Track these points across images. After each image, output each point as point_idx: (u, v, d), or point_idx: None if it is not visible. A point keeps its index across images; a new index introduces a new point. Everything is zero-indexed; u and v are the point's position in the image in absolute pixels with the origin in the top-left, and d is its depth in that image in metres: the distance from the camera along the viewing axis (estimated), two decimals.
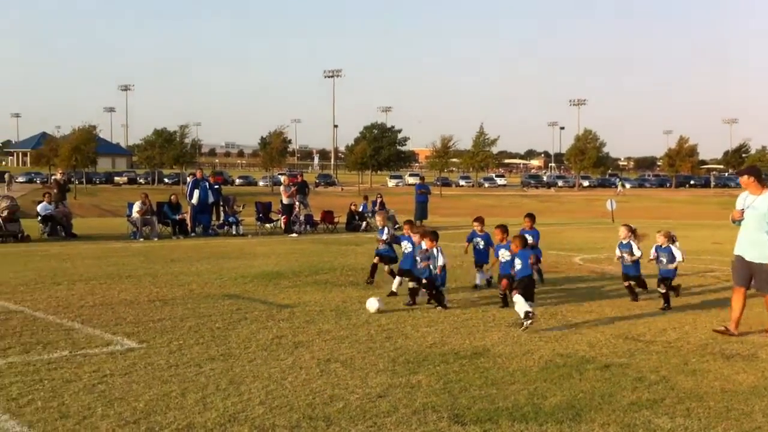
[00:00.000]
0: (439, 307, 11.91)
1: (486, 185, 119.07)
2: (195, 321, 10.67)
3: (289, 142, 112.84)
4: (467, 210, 55.31)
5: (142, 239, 23.83)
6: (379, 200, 32.94)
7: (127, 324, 10.34)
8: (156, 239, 23.99)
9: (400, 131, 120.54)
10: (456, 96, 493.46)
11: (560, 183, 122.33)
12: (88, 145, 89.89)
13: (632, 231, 13.04)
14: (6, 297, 12.42)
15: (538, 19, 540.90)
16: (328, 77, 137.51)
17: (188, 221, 26.11)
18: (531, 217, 14.93)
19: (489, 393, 7.31)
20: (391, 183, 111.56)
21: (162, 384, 7.48)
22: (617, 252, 13.05)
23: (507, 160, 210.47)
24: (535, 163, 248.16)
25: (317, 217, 30.27)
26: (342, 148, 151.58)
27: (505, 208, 66.89)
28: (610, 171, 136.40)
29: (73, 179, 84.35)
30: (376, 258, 14.29)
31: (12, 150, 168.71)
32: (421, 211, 33.59)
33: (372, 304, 11.50)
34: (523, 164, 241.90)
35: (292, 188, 28.34)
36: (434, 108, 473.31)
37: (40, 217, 24.78)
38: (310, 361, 8.47)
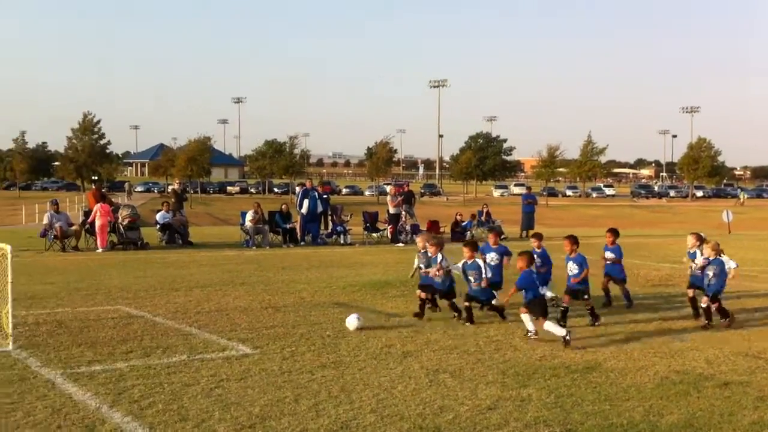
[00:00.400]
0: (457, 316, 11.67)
1: (594, 195, 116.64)
2: (306, 328, 10.89)
3: (395, 152, 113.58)
4: (574, 220, 54.33)
5: (254, 247, 24.46)
6: (485, 210, 32.75)
7: (241, 330, 10.65)
8: (267, 247, 24.58)
9: (505, 141, 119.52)
10: (563, 104, 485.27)
11: (672, 193, 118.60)
12: (202, 156, 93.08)
13: (701, 240, 12.34)
14: (127, 302, 12.99)
15: (647, 23, 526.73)
16: (434, 87, 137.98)
17: (298, 230, 26.62)
18: (613, 232, 13.38)
19: (602, 409, 7.17)
20: (497, 193, 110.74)
21: (276, 390, 7.68)
22: (687, 261, 12.42)
23: (616, 170, 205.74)
24: (646, 172, 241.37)
25: (423, 227, 30.32)
26: (447, 158, 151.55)
27: (614, 218, 65.26)
28: (725, 180, 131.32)
29: (188, 189, 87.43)
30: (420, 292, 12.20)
31: (131, 161, 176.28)
32: (528, 222, 33.18)
33: (351, 321, 10.82)
34: (633, 174, 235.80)
35: (399, 198, 28.51)
36: (540, 117, 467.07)
37: (158, 226, 25.79)
38: (419, 371, 8.52)
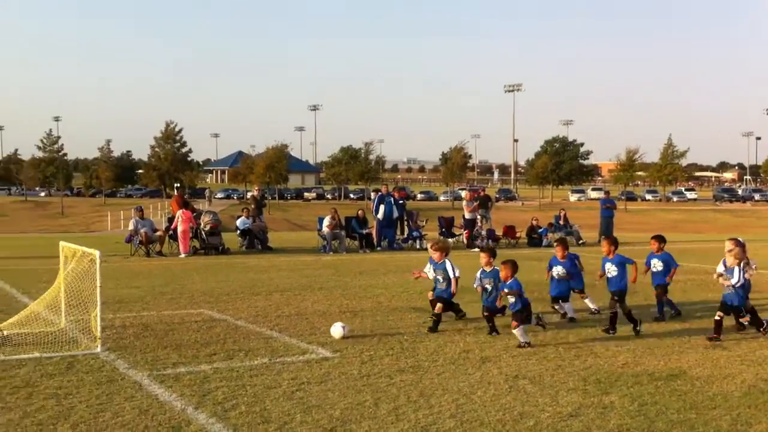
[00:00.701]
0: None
1: (674, 199, 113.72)
2: (384, 333, 10.95)
3: (470, 157, 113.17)
4: (655, 225, 53.01)
5: (331, 252, 24.70)
6: (562, 215, 32.34)
7: (320, 334, 10.77)
8: (344, 253, 24.80)
9: (582, 144, 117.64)
10: (642, 107, 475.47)
11: (757, 197, 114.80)
12: (280, 163, 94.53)
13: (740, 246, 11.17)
14: (210, 306, 13.28)
15: (727, 23, 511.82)
16: (509, 91, 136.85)
17: (374, 235, 26.77)
18: (660, 239, 12.89)
19: (688, 417, 7.01)
20: (573, 198, 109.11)
21: (356, 393, 7.75)
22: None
23: (697, 173, 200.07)
24: (729, 175, 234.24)
25: (499, 232, 30.14)
26: (522, 163, 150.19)
27: (696, 223, 63.64)
28: None
29: (267, 195, 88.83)
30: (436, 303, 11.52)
31: (211, 168, 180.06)
32: (606, 227, 32.60)
33: (335, 330, 10.49)
34: (715, 177, 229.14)
35: (474, 203, 28.41)
36: (618, 120, 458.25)
37: (239, 231, 26.31)
38: (498, 377, 8.47)
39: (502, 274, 10.80)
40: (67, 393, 7.61)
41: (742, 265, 10.84)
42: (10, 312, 11.32)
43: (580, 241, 30.07)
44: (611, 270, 11.25)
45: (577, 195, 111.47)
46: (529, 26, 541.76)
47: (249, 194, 35.52)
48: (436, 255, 11.76)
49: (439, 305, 11.25)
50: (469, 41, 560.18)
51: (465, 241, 27.97)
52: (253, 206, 27.60)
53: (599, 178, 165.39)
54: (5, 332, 9.78)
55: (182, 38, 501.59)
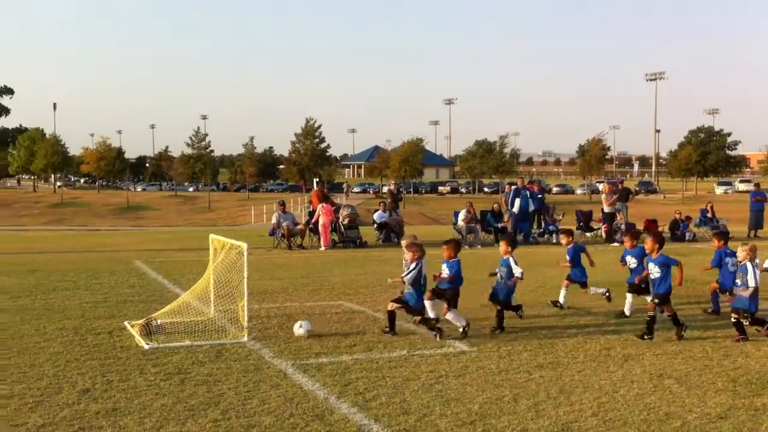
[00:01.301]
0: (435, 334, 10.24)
1: None
2: (521, 327, 10.86)
3: (608, 149, 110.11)
4: None
5: (466, 246, 24.65)
6: (709, 208, 30.99)
7: (453, 329, 10.78)
8: (479, 246, 24.71)
9: (729, 134, 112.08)
10: None
11: None
12: (415, 157, 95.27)
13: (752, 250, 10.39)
14: (349, 298, 13.57)
15: None
16: (650, 80, 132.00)
17: (509, 229, 26.53)
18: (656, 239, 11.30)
19: None
20: (719, 190, 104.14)
21: (494, 388, 7.74)
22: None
23: None
24: None
25: (639, 226, 29.19)
26: (663, 154, 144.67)
27: None
28: None
29: (402, 189, 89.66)
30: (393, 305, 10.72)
31: (348, 163, 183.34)
32: (756, 221, 30.98)
33: (297, 328, 10.18)
34: None
35: (614, 196, 27.64)
36: None
37: (375, 225, 26.70)
38: (642, 375, 8.25)
39: (444, 254, 10.91)
40: (217, 380, 7.99)
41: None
42: (163, 302, 11.96)
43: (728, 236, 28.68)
44: (654, 271, 10.44)
45: (724, 187, 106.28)
46: (671, 10, 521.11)
47: (385, 188, 36.00)
48: (408, 256, 11.06)
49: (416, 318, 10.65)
50: (607, 29, 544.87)
51: (603, 235, 27.27)
52: (389, 200, 27.92)
53: (747, 169, 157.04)
54: (159, 321, 10.35)
55: (319, 36, 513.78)
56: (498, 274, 11.28)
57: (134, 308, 12.22)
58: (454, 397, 7.40)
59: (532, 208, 27.02)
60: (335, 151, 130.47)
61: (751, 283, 10.01)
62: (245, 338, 9.86)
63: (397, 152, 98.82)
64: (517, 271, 10.99)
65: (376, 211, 27.54)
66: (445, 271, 10.74)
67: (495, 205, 27.43)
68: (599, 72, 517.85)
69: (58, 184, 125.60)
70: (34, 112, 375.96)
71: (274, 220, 24.61)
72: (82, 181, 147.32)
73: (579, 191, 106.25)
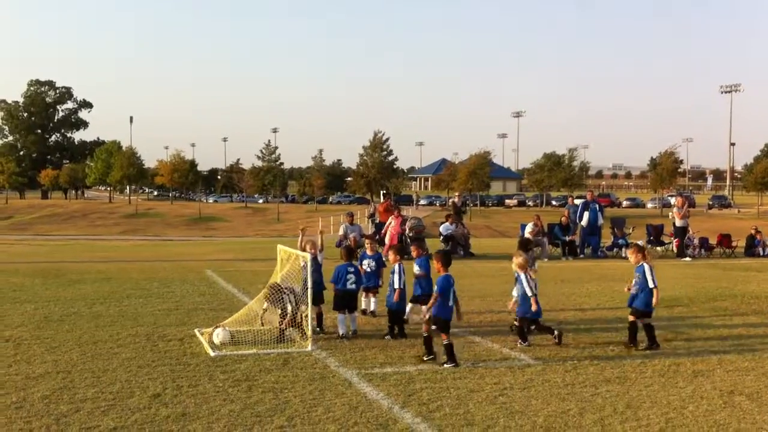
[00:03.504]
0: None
1: None
2: (588, 342, 10.73)
3: (681, 162, 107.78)
4: None
5: (532, 259, 24.44)
6: None
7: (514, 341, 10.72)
8: (546, 260, 24.46)
9: None
10: None
11: None
12: (482, 170, 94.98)
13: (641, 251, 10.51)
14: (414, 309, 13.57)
15: None
16: (725, 93, 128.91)
17: (577, 243, 26.21)
18: (637, 249, 11.29)
19: None
20: None
21: (559, 401, 7.67)
22: None
23: None
24: None
25: (713, 240, 28.51)
26: (739, 168, 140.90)
27: None
28: None
29: (468, 202, 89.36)
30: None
31: (415, 176, 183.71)
32: None
33: (217, 335, 10.20)
34: None
35: (685, 209, 27.05)
36: None
37: (441, 237, 26.69)
38: (712, 392, 8.08)
39: (414, 253, 11.34)
40: (283, 387, 8.11)
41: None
42: (232, 310, 12.18)
43: None
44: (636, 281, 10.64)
45: None
46: (747, 23, 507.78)
47: (450, 201, 36.09)
48: (392, 258, 11.52)
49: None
50: (681, 40, 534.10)
51: (675, 249, 26.71)
52: (452, 212, 27.89)
53: None
54: (228, 329, 10.55)
55: (392, 53, 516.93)
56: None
57: (204, 316, 12.48)
58: (518, 410, 7.37)
59: (601, 221, 26.65)
60: (403, 164, 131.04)
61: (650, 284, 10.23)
62: (309, 347, 9.98)
63: (464, 165, 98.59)
64: (396, 282, 11.05)
65: (442, 223, 27.54)
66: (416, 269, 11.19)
67: (563, 218, 27.11)
68: (672, 84, 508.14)
69: (134, 196, 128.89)
70: (111, 126, 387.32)
71: (341, 232, 24.81)
72: (155, 192, 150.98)
73: (650, 205, 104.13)
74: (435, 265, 10.12)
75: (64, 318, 12.30)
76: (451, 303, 9.42)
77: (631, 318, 10.45)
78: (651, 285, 10.31)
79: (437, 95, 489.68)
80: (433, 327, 9.39)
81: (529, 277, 10.63)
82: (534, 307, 10.31)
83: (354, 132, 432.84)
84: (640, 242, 11.56)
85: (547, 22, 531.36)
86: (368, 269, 12.13)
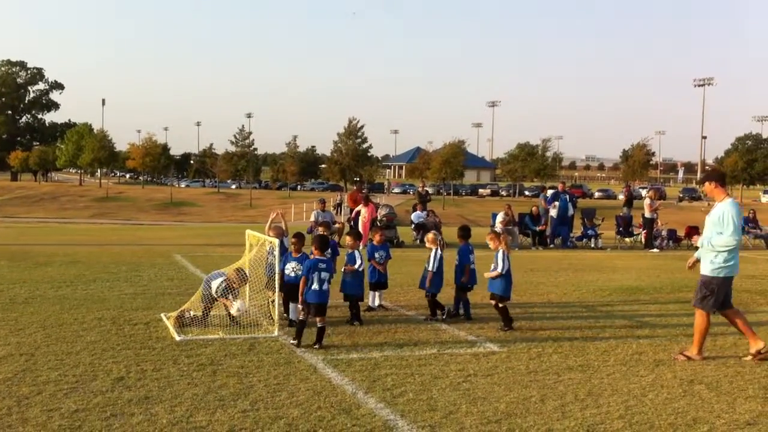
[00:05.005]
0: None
1: None
2: (553, 330, 10.84)
3: (653, 154, 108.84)
4: None
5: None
6: (751, 216, 30.51)
7: (488, 328, 10.83)
8: (516, 249, 24.63)
9: None
10: None
11: None
12: (456, 159, 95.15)
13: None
14: (383, 297, 13.60)
15: None
16: (699, 86, 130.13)
17: (548, 233, 26.42)
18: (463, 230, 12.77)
19: None
20: (765, 198, 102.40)
21: (522, 388, 7.75)
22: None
23: None
24: None
25: (681, 233, 28.87)
26: (710, 161, 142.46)
27: None
28: None
29: (441, 191, 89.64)
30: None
31: (390, 163, 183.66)
32: None
33: (237, 307, 10.37)
34: None
35: (657, 202, 27.36)
36: None
37: (413, 225, 26.77)
38: (672, 381, 8.19)
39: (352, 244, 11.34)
40: (248, 372, 8.11)
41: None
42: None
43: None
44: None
45: None
46: (722, 15, 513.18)
47: (415, 189, 36.28)
48: (350, 243, 11.61)
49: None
50: (656, 34, 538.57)
51: (643, 240, 27.01)
52: (418, 201, 28.00)
53: None
54: (193, 313, 10.53)
55: (369, 40, 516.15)
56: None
57: (171, 301, 12.43)
58: (481, 396, 7.43)
59: (571, 212, 26.88)
60: (377, 152, 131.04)
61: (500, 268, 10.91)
62: (276, 333, 9.98)
63: (438, 154, 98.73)
64: (358, 262, 11.22)
65: (414, 211, 27.62)
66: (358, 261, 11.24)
67: (534, 208, 27.32)
68: (646, 77, 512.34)
69: (105, 180, 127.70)
70: (83, 108, 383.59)
71: (312, 218, 24.82)
72: (127, 176, 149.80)
73: (621, 196, 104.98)
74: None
75: (30, 300, 12.21)
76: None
77: (493, 302, 11.00)
78: (499, 269, 10.94)
79: (412, 84, 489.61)
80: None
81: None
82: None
83: (329, 119, 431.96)
84: (497, 229, 12.09)
85: (526, 13, 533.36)
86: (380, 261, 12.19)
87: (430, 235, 11.91)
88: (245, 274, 10.81)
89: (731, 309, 9.45)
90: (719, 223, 9.11)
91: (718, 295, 9.17)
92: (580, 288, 15.23)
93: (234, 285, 10.59)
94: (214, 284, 10.64)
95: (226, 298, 10.46)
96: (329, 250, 10.73)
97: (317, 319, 9.44)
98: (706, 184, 9.50)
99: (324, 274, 9.48)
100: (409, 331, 10.54)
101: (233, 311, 10.31)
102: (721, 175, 9.82)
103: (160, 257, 19.20)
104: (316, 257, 9.65)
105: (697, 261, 9.65)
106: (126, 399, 7.04)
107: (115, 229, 38.44)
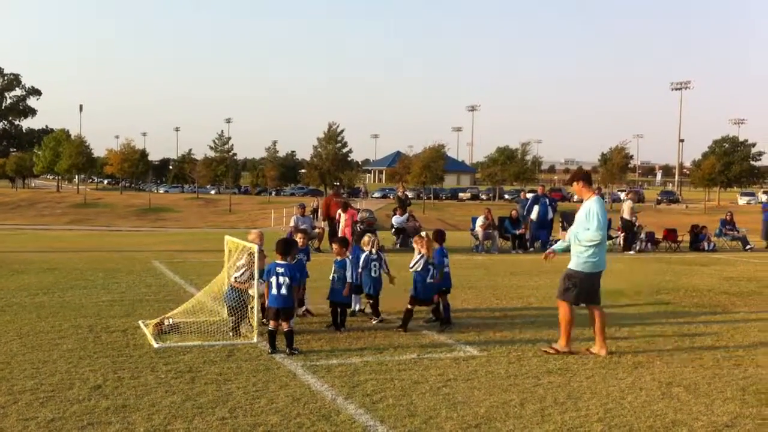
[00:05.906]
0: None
1: None
2: (532, 334, 10.87)
3: (631, 157, 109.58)
4: None
5: (483, 252, 24.67)
6: (728, 218, 30.77)
7: (469, 332, 10.83)
8: (496, 253, 24.70)
9: (753, 145, 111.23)
10: None
11: None
12: (436, 163, 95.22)
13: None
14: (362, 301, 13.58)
15: None
16: (676, 89, 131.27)
17: (527, 236, 26.49)
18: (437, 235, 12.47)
19: None
20: (742, 201, 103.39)
21: (502, 392, 7.76)
22: None
23: None
24: None
25: (659, 235, 29.06)
26: (688, 164, 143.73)
27: None
28: None
29: (421, 195, 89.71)
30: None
31: (370, 168, 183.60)
32: (767, 231, 30.95)
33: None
34: None
35: (636, 205, 27.51)
36: None
37: (393, 229, 26.76)
38: (651, 383, 8.23)
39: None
40: (227, 379, 8.06)
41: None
42: (178, 301, 12.05)
43: (748, 246, 28.52)
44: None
45: (747, 198, 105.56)
46: (698, 18, 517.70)
47: (394, 194, 36.35)
48: (337, 249, 11.68)
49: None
50: (633, 37, 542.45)
51: (621, 243, 27.15)
52: (398, 205, 28.00)
53: None
54: (173, 320, 10.45)
55: (346, 42, 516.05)
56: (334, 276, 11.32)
57: (150, 308, 12.34)
58: (461, 401, 7.43)
59: (550, 216, 26.96)
60: (357, 156, 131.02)
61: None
62: (255, 339, 9.93)
63: (418, 158, 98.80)
64: (349, 276, 11.19)
65: (394, 215, 27.60)
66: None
67: (513, 212, 27.37)
68: (624, 80, 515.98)
69: (83, 186, 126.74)
70: (60, 114, 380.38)
71: (292, 223, 24.71)
72: (105, 182, 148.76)
73: None
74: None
75: (5, 308, 12.07)
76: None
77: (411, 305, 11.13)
78: (411, 266, 11.32)
79: (391, 88, 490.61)
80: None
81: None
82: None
83: (308, 124, 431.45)
84: (423, 233, 12.10)
85: (501, 15, 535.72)
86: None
87: (416, 237, 11.95)
88: (261, 250, 10.70)
89: (598, 307, 9.68)
90: (586, 220, 9.45)
91: (581, 288, 9.49)
92: None
93: (252, 268, 10.40)
94: (235, 278, 10.53)
95: (249, 283, 10.35)
96: (298, 255, 10.79)
97: (283, 324, 9.40)
98: (574, 184, 9.98)
99: (282, 278, 9.42)
100: (389, 336, 10.52)
101: (253, 292, 10.23)
102: (587, 174, 10.30)
103: (137, 263, 19.05)
104: (275, 261, 9.62)
105: (554, 253, 10.28)
106: (103, 407, 6.97)
107: (92, 235, 38.12)
